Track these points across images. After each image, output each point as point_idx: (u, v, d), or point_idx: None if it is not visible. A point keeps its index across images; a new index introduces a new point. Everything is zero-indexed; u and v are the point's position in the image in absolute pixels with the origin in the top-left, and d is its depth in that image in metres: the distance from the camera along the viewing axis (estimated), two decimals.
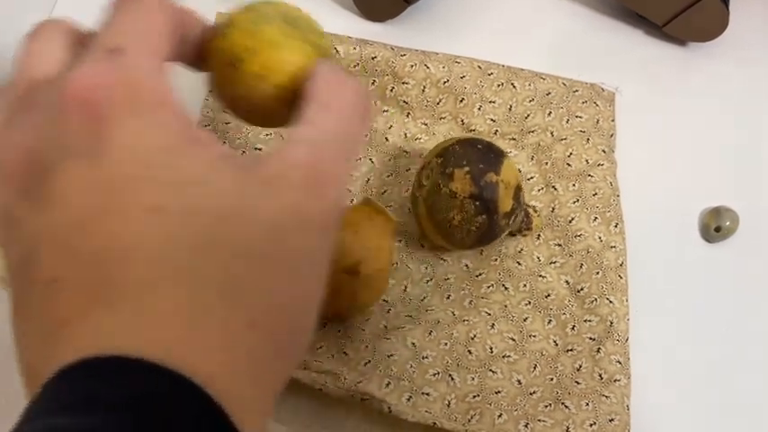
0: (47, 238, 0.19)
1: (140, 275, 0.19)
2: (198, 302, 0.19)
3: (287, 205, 0.21)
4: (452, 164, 0.38)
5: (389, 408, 0.35)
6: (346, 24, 0.50)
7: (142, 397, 0.17)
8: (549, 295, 0.41)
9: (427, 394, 0.37)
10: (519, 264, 0.42)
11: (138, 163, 0.20)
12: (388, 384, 0.36)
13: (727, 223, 0.45)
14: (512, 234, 0.42)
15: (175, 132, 0.21)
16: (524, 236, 0.42)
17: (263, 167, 0.21)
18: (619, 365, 0.38)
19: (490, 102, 0.46)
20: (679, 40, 0.52)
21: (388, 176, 0.44)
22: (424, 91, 0.45)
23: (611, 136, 0.46)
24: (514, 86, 0.46)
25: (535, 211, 0.42)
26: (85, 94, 0.20)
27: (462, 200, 0.38)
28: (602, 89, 0.48)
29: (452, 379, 0.37)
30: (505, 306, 0.41)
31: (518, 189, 0.39)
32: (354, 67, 0.45)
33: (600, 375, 0.38)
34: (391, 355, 0.37)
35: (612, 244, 0.42)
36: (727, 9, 0.48)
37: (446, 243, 0.40)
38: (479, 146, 0.39)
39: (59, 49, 0.23)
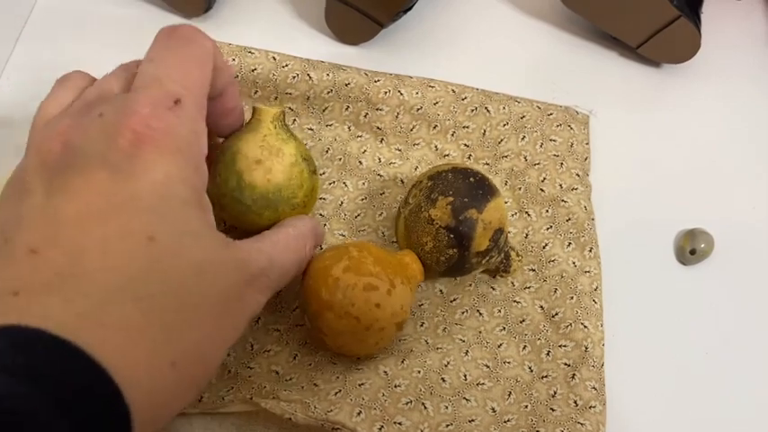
0: (47, 214, 0.23)
1: (102, 280, 0.22)
2: (128, 316, 0.22)
3: (232, 285, 0.26)
4: (438, 190, 0.38)
5: None
6: (320, 48, 0.50)
7: (41, 365, 0.19)
8: (523, 320, 0.41)
9: (399, 423, 0.36)
10: (493, 289, 0.42)
11: (155, 195, 0.24)
12: (359, 413, 0.36)
13: (702, 246, 0.45)
14: (488, 272, 0.42)
15: (191, 189, 0.25)
16: (502, 276, 0.42)
17: (236, 249, 0.27)
18: (594, 392, 0.38)
19: (464, 127, 0.46)
20: (653, 61, 0.52)
21: (362, 200, 0.44)
22: (397, 117, 0.45)
23: (586, 159, 0.46)
24: (488, 111, 0.46)
25: (518, 256, 0.41)
26: (141, 128, 0.24)
27: (438, 228, 0.37)
28: (577, 112, 0.48)
29: (425, 407, 0.37)
30: (480, 332, 0.40)
31: (499, 231, 0.38)
32: (328, 93, 0.45)
33: (575, 402, 0.38)
34: (362, 384, 0.37)
35: (587, 269, 0.42)
36: (699, 31, 0.49)
37: None
38: (472, 178, 0.38)
39: (121, 80, 0.28)
